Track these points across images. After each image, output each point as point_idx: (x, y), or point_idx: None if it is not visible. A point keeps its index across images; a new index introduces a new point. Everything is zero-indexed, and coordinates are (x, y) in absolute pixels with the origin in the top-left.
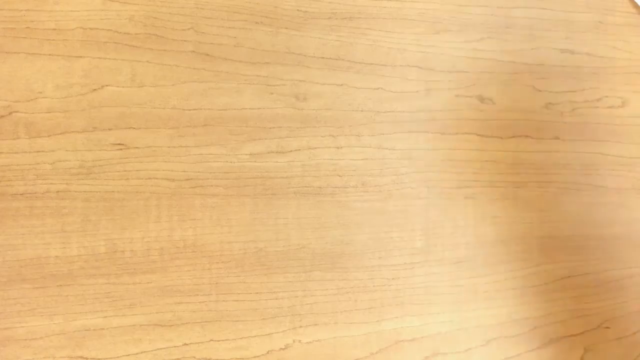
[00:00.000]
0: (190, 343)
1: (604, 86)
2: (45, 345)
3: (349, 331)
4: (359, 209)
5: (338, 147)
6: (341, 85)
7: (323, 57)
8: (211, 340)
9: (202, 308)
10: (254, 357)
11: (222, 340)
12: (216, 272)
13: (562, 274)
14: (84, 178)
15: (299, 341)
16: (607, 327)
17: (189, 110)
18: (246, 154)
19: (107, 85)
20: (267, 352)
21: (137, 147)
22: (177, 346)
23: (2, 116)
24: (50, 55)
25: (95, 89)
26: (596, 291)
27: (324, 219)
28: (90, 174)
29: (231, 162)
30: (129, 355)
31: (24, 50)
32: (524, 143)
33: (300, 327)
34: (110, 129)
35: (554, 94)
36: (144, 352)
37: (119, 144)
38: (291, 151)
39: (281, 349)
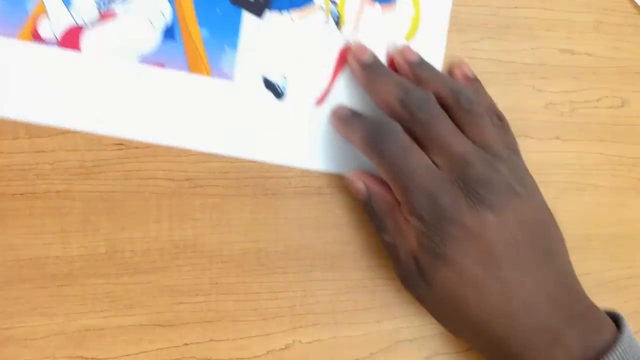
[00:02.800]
0: (190, 343)
1: (604, 86)
2: (45, 345)
3: (349, 331)
4: (360, 209)
5: None
6: None
7: None
8: (211, 340)
9: (202, 308)
10: (254, 357)
11: (222, 340)
12: (216, 272)
13: None
14: (84, 178)
15: (299, 341)
16: None
17: None
18: None
19: None
20: (267, 352)
21: (137, 147)
22: (177, 346)
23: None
24: None
25: None
26: (596, 291)
27: (324, 219)
28: (90, 174)
29: (231, 162)
30: (129, 355)
31: None
32: (524, 143)
33: (300, 327)
34: None
35: (554, 94)
36: (144, 352)
37: (119, 144)
38: None
39: (281, 349)
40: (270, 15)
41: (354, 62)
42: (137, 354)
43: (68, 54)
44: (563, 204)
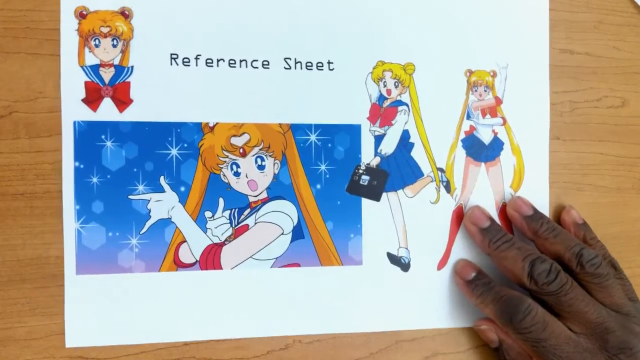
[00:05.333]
0: (190, 343)
1: (604, 86)
2: (45, 345)
3: (349, 331)
4: None
5: None
6: None
7: None
8: (211, 340)
9: None
10: (254, 357)
11: (222, 340)
12: None
13: None
14: None
15: (299, 341)
16: None
17: None
18: None
19: None
20: (267, 352)
21: None
22: (177, 346)
23: (2, 116)
24: (50, 55)
25: None
26: None
27: None
28: None
29: None
30: (129, 355)
31: (24, 50)
32: None
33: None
34: None
35: (554, 94)
36: (144, 352)
37: None
38: None
39: (281, 349)
40: (386, 196)
41: (472, 226)
42: (137, 354)
43: (209, 273)
44: (563, 204)
